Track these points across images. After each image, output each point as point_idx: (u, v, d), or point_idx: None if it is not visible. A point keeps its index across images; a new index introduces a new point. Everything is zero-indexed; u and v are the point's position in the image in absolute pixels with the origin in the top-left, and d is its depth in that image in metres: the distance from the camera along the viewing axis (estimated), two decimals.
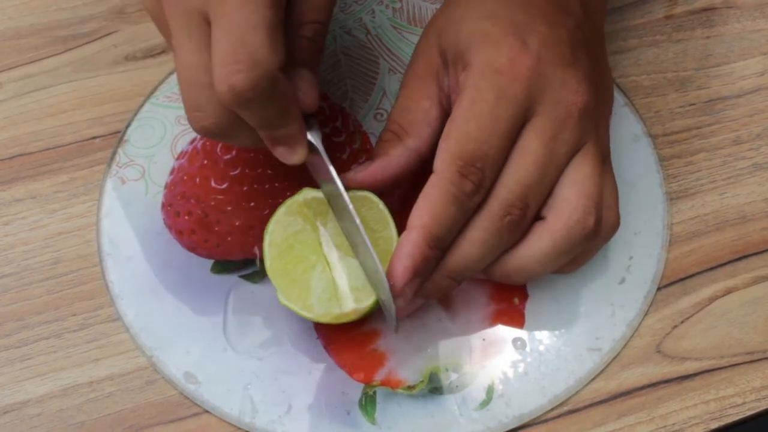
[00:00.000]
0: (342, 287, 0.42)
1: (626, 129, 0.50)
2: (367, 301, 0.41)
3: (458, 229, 0.40)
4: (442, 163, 0.39)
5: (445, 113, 0.42)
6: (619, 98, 0.51)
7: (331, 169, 0.40)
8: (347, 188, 0.41)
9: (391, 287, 0.39)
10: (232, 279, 0.46)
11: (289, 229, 0.43)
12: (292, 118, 0.39)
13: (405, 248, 0.39)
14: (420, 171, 0.42)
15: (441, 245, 0.39)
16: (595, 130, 0.41)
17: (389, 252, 0.41)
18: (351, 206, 0.40)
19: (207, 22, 0.37)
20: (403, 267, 0.39)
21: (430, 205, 0.39)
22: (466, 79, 0.40)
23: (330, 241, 0.43)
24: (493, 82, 0.39)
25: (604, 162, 0.42)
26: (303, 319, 0.45)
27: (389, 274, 0.39)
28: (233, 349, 0.45)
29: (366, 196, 0.42)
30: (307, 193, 0.43)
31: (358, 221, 0.40)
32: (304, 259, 0.42)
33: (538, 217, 0.41)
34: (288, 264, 0.42)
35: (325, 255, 0.42)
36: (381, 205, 0.42)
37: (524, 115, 0.40)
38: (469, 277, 0.41)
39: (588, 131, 0.41)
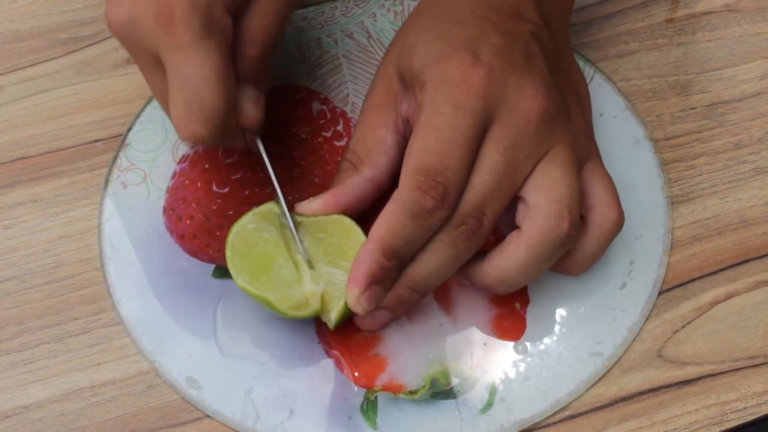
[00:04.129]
0: (305, 279, 0.42)
1: (627, 133, 0.50)
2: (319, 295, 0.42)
3: (420, 243, 0.40)
4: (403, 178, 0.39)
5: (404, 140, 0.42)
6: (620, 102, 0.51)
7: (272, 173, 0.44)
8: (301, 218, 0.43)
9: (347, 296, 0.40)
10: (234, 283, 0.46)
11: (255, 230, 0.43)
12: (235, 137, 0.43)
13: (360, 257, 0.39)
14: (379, 200, 0.43)
15: (399, 257, 0.39)
16: (564, 133, 0.41)
17: None
18: (287, 212, 0.42)
19: (161, 63, 0.41)
20: (358, 275, 0.39)
21: (388, 219, 0.39)
22: (422, 97, 0.40)
23: (298, 248, 0.43)
24: (447, 95, 0.39)
25: (582, 162, 0.42)
26: (304, 324, 0.45)
27: (347, 285, 0.40)
28: (222, 352, 0.45)
29: (337, 219, 0.43)
30: (274, 206, 0.43)
31: (291, 225, 0.42)
32: (267, 253, 0.43)
33: (514, 226, 0.41)
34: (251, 254, 0.43)
35: (292, 257, 0.42)
36: (354, 227, 0.42)
37: (483, 125, 0.39)
38: (430, 290, 0.41)
39: (552, 135, 0.40)
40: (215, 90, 0.40)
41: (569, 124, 0.42)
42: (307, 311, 0.42)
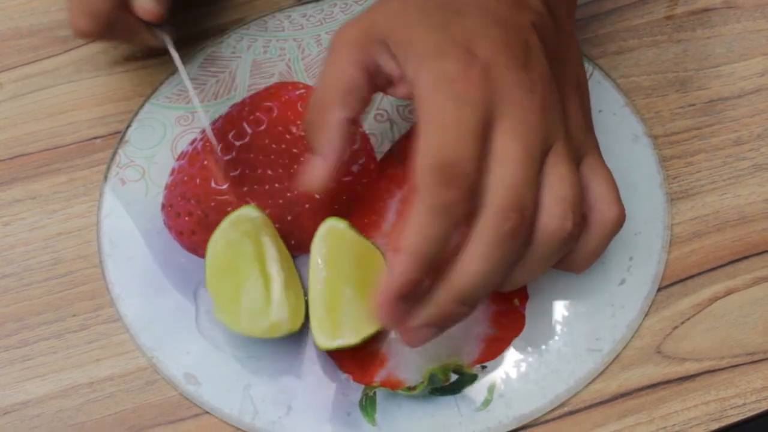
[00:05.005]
0: (275, 299, 0.42)
1: (626, 129, 0.50)
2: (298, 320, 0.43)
3: (448, 243, 0.38)
4: (421, 179, 0.37)
5: (371, 80, 0.41)
6: (619, 98, 0.51)
7: (182, 71, 0.47)
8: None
9: (378, 314, 0.38)
10: None
11: (228, 244, 0.43)
12: (133, 33, 0.47)
13: (392, 275, 0.37)
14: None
15: (431, 265, 0.37)
16: (561, 127, 0.40)
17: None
18: (191, 88, 0.45)
19: None
20: (388, 295, 0.37)
21: (416, 223, 0.37)
22: (422, 94, 0.39)
23: (274, 256, 0.43)
24: (449, 91, 0.38)
25: (580, 157, 0.41)
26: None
27: (378, 307, 0.38)
28: (220, 349, 0.45)
29: (245, 217, 0.43)
30: (252, 211, 0.43)
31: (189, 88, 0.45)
32: (239, 272, 0.43)
33: None
34: (223, 278, 0.43)
35: (267, 267, 0.43)
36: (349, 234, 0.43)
37: (488, 118, 0.38)
38: (481, 300, 0.39)
39: (554, 130, 0.40)
40: None
41: (566, 119, 0.41)
42: (279, 333, 0.43)
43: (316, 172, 0.41)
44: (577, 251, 0.42)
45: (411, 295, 0.38)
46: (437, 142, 0.38)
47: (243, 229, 0.43)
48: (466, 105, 0.38)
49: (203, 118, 0.45)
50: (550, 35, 0.42)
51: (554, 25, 0.43)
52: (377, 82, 0.42)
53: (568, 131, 0.41)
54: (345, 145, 0.41)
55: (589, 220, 0.41)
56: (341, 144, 0.41)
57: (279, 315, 0.42)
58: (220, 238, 0.43)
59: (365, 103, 0.42)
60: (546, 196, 0.39)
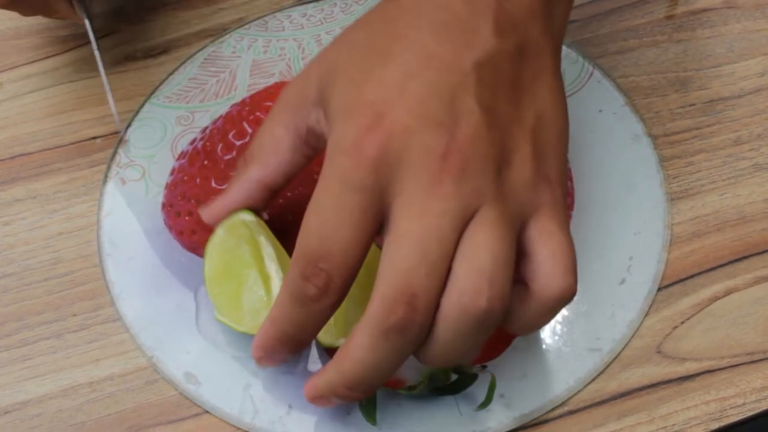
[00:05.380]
0: (275, 296, 0.42)
1: (626, 129, 0.50)
2: None
3: (315, 326, 0.37)
4: (292, 260, 0.36)
5: (304, 145, 0.39)
6: (619, 98, 0.51)
7: (91, 36, 0.47)
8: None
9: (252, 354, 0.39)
10: None
11: (225, 250, 0.43)
12: (51, 5, 0.46)
13: (259, 333, 0.38)
14: (272, 200, 0.42)
15: (296, 341, 0.37)
16: (492, 187, 0.35)
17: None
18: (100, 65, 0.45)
19: None
20: (255, 347, 0.39)
21: (280, 301, 0.37)
22: (325, 153, 0.36)
23: (272, 255, 0.42)
24: (336, 168, 0.35)
25: (526, 216, 0.36)
26: None
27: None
28: (220, 348, 0.45)
29: (240, 222, 0.43)
30: (246, 216, 0.43)
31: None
32: (238, 274, 0.43)
33: None
34: (223, 282, 0.43)
35: (266, 268, 0.42)
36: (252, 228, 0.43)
37: (380, 199, 0.34)
38: (375, 387, 0.37)
39: (477, 194, 0.34)
40: None
41: (506, 174, 0.36)
42: None
43: (208, 210, 0.42)
44: (513, 321, 0.37)
45: (281, 353, 0.39)
46: (309, 226, 0.35)
47: (239, 233, 0.43)
48: (350, 189, 0.34)
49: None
50: (505, 70, 0.36)
51: (512, 55, 0.37)
52: (312, 143, 0.40)
53: (505, 191, 0.35)
54: (245, 200, 0.41)
55: (529, 291, 0.36)
56: (240, 198, 0.41)
57: None
58: (216, 245, 0.43)
59: (289, 165, 0.40)
60: (458, 269, 0.34)
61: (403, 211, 0.34)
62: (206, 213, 0.43)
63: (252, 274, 0.43)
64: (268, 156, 0.40)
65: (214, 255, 0.43)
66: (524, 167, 0.36)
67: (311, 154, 0.40)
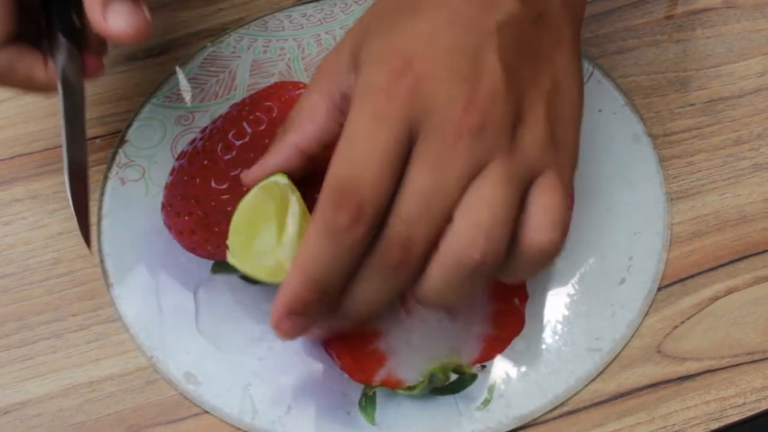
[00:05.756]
0: (284, 242, 0.41)
1: (626, 129, 0.50)
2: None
3: (346, 267, 0.37)
4: (321, 193, 0.36)
5: (335, 109, 0.40)
6: (619, 98, 0.51)
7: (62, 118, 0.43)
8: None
9: (274, 329, 0.38)
10: (232, 279, 0.46)
11: (253, 206, 0.43)
12: (29, 83, 0.43)
13: (283, 287, 0.37)
14: (310, 167, 0.42)
15: (322, 288, 0.37)
16: (505, 144, 0.36)
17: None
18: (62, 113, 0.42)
19: None
20: (277, 307, 0.37)
21: (307, 244, 0.36)
22: (352, 99, 0.37)
23: (296, 212, 0.41)
24: (368, 103, 0.36)
25: (532, 175, 0.37)
26: None
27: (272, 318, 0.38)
28: (220, 348, 0.45)
29: (273, 184, 0.42)
30: (280, 179, 0.42)
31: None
32: (258, 224, 0.42)
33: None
34: (243, 228, 0.42)
35: (286, 222, 0.41)
36: (286, 190, 0.42)
37: (406, 139, 0.36)
38: (363, 319, 0.39)
39: (490, 149, 0.36)
40: None
41: (519, 132, 0.37)
42: (283, 275, 0.40)
43: (247, 174, 0.43)
44: (504, 273, 0.38)
45: (306, 311, 0.37)
46: (342, 159, 0.36)
47: (270, 193, 0.43)
48: (383, 122, 0.35)
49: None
50: (525, 33, 0.38)
51: (533, 20, 0.38)
52: (346, 109, 0.39)
53: (516, 148, 0.37)
54: (282, 164, 0.42)
55: (516, 243, 0.37)
56: (277, 162, 0.42)
57: (284, 255, 0.41)
58: (247, 200, 0.43)
59: (324, 131, 0.41)
60: (461, 221, 0.35)
61: (419, 160, 0.35)
62: (245, 176, 0.43)
63: (270, 225, 0.42)
64: (305, 122, 0.41)
65: (243, 208, 0.43)
66: (537, 127, 0.37)
67: (344, 121, 0.40)
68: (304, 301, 0.37)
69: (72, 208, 0.42)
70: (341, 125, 0.39)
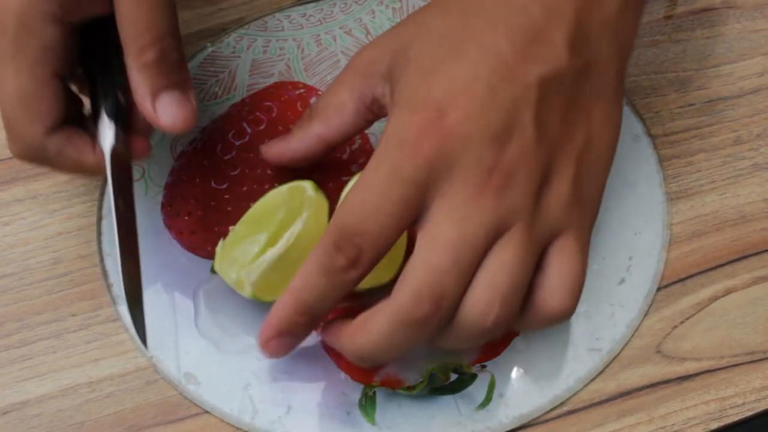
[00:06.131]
0: (259, 260, 0.41)
1: (626, 129, 0.50)
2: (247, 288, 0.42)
3: (334, 299, 0.38)
4: (326, 231, 0.37)
5: (367, 111, 0.41)
6: None
7: (110, 184, 0.42)
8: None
9: (258, 341, 0.40)
10: None
11: (272, 204, 0.43)
12: (79, 167, 0.42)
13: (275, 307, 0.38)
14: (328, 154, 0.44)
15: (312, 312, 0.38)
16: (529, 207, 0.36)
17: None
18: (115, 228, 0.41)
19: None
20: (267, 325, 0.39)
21: (304, 272, 0.37)
22: (384, 130, 0.37)
23: (295, 233, 0.41)
24: (391, 156, 0.36)
25: (552, 236, 0.37)
26: None
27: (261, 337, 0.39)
28: (220, 348, 0.45)
29: (300, 190, 0.43)
30: (310, 190, 0.42)
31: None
32: (256, 228, 0.43)
33: None
34: (244, 224, 0.43)
35: (280, 237, 0.42)
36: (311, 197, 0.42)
37: (423, 195, 0.36)
38: (382, 363, 0.41)
39: (513, 211, 0.36)
40: (20, 115, 0.40)
41: (545, 192, 0.37)
42: (242, 292, 0.42)
43: (268, 148, 0.44)
44: (514, 327, 0.39)
45: (294, 333, 0.39)
46: (351, 200, 0.36)
47: (290, 199, 0.43)
48: (400, 181, 0.36)
49: None
50: (568, 86, 0.37)
51: (578, 70, 0.38)
52: (375, 111, 0.42)
53: (539, 211, 0.37)
54: (304, 151, 0.43)
55: (530, 301, 0.38)
56: (300, 149, 0.43)
57: (249, 275, 0.42)
58: (270, 196, 0.43)
59: (350, 126, 0.42)
60: (478, 281, 0.36)
61: (443, 214, 0.36)
62: (266, 150, 0.44)
63: (262, 236, 0.42)
64: (332, 116, 0.42)
65: (262, 202, 0.43)
66: (562, 189, 0.37)
67: (372, 120, 0.42)
68: (295, 323, 0.38)
69: (126, 299, 0.42)
70: (369, 122, 0.41)
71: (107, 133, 0.41)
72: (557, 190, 0.37)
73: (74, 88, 0.43)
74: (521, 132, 0.36)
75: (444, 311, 0.36)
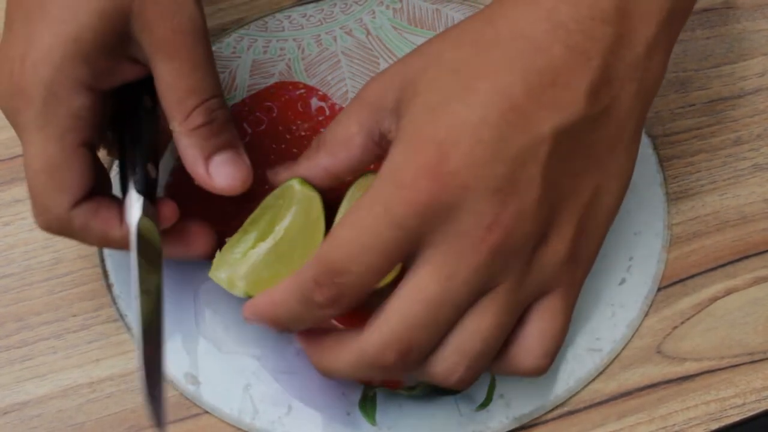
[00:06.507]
0: (248, 257, 0.41)
1: None
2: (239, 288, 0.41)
3: (308, 324, 0.38)
4: (310, 262, 0.35)
5: (373, 145, 0.39)
6: None
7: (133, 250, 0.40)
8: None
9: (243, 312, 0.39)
10: None
11: (273, 198, 0.42)
12: (105, 241, 0.41)
13: (255, 303, 0.38)
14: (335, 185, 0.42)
15: (283, 326, 0.38)
16: (518, 269, 0.35)
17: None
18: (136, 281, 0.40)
19: None
20: (248, 310, 0.38)
21: (284, 290, 0.36)
22: (381, 169, 0.36)
23: (281, 232, 0.41)
24: (386, 196, 0.34)
25: (537, 296, 0.37)
26: None
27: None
28: (220, 349, 0.45)
29: (287, 186, 0.42)
30: (295, 185, 0.42)
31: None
32: (250, 227, 0.42)
33: None
34: (246, 224, 0.43)
35: (270, 232, 0.41)
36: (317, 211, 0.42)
37: (415, 241, 0.34)
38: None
39: (502, 272, 0.35)
40: (47, 184, 0.38)
41: (541, 251, 0.36)
42: (233, 291, 0.41)
43: (275, 174, 0.43)
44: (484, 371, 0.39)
45: (270, 328, 0.38)
46: (338, 235, 0.35)
47: (279, 198, 0.42)
48: (392, 225, 0.34)
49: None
50: (582, 137, 0.35)
51: (596, 119, 0.35)
52: (384, 147, 0.39)
53: (531, 270, 0.36)
54: (312, 180, 0.41)
55: (505, 352, 0.38)
56: (308, 177, 0.41)
57: (238, 270, 0.41)
58: (264, 202, 0.43)
59: (358, 162, 0.40)
60: (451, 338, 0.36)
61: (431, 265, 0.34)
62: (273, 176, 0.43)
63: (254, 233, 0.42)
64: (339, 149, 0.40)
65: (264, 201, 0.43)
66: (559, 249, 0.36)
67: (381, 155, 0.38)
68: (266, 324, 0.38)
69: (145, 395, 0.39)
70: (378, 157, 0.39)
71: (135, 206, 0.40)
72: (554, 249, 0.36)
73: (103, 151, 0.42)
74: (526, 188, 0.34)
75: (410, 363, 0.36)
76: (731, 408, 0.43)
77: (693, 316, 0.45)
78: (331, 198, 0.42)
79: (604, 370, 0.44)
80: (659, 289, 0.46)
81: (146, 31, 0.38)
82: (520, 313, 0.37)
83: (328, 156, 0.40)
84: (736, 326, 0.45)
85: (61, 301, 0.46)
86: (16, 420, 0.44)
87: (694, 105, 0.51)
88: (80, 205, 0.39)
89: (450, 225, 0.34)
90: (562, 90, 0.34)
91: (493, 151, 0.34)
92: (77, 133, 0.38)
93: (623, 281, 0.46)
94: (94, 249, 0.47)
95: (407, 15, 0.53)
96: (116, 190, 0.42)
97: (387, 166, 0.35)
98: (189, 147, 0.40)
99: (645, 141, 0.50)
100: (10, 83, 0.38)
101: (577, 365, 0.44)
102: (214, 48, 0.53)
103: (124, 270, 0.47)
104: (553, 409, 0.43)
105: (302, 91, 0.50)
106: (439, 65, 0.37)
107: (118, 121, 0.42)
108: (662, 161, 0.49)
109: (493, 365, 0.38)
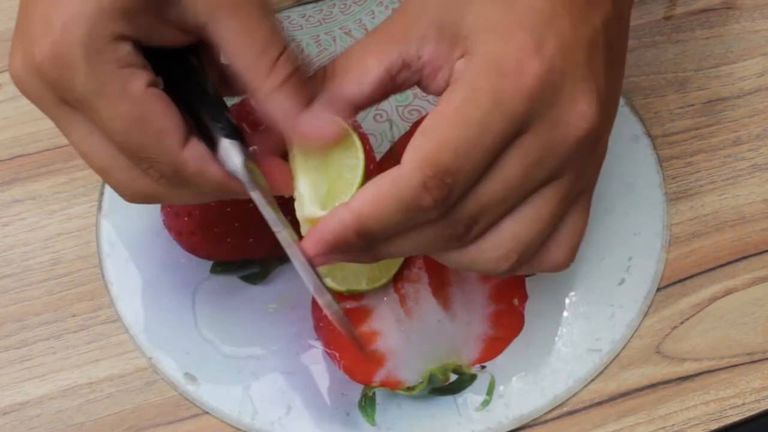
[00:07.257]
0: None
1: (626, 129, 0.50)
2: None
3: (403, 230, 0.35)
4: (410, 162, 0.33)
5: (389, 80, 0.36)
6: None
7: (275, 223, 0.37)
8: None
9: (302, 250, 0.35)
10: (232, 279, 0.46)
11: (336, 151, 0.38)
12: (220, 188, 0.36)
13: (331, 224, 0.34)
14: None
15: (373, 239, 0.34)
16: (582, 163, 0.36)
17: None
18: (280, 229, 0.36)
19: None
20: (320, 240, 0.34)
21: (379, 200, 0.33)
22: (464, 70, 0.34)
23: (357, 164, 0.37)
24: (492, 86, 0.33)
25: (579, 195, 0.37)
26: (302, 320, 0.45)
27: (305, 239, 0.35)
28: (219, 349, 0.45)
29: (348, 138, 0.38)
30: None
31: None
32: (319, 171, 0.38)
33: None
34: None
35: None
36: (359, 151, 0.37)
37: (518, 130, 0.34)
38: (382, 253, 0.36)
39: (574, 163, 0.35)
40: (143, 139, 0.34)
41: (594, 151, 0.36)
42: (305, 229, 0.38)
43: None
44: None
45: (345, 251, 0.35)
46: (448, 135, 0.33)
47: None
48: (501, 112, 0.33)
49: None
50: (614, 39, 0.36)
51: (620, 27, 0.37)
52: (400, 79, 0.36)
53: (585, 169, 0.36)
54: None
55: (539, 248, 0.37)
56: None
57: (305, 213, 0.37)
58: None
59: (367, 99, 0.37)
60: (508, 227, 0.35)
61: (521, 150, 0.34)
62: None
63: (328, 176, 0.38)
64: (350, 84, 0.36)
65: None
66: (602, 145, 0.37)
67: (392, 93, 0.37)
68: (350, 244, 0.34)
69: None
70: (386, 96, 0.37)
71: (233, 152, 0.35)
72: (601, 145, 0.37)
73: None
74: (599, 82, 0.35)
75: (473, 236, 0.35)
76: (731, 408, 0.43)
77: (692, 316, 0.45)
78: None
79: (603, 371, 0.44)
80: (659, 290, 0.46)
81: None
82: (568, 205, 0.36)
83: (337, 89, 0.36)
84: (735, 326, 0.45)
85: (61, 301, 0.46)
86: (15, 420, 0.44)
87: (693, 105, 0.51)
88: (188, 145, 0.35)
89: (549, 111, 0.34)
90: None
91: (571, 38, 0.34)
92: (138, 78, 0.34)
93: (623, 281, 0.46)
94: (93, 249, 0.47)
95: None
96: None
97: (480, 60, 0.34)
98: (285, 100, 0.35)
99: (645, 141, 0.50)
100: (49, 50, 0.34)
101: (577, 365, 0.44)
102: None
103: (124, 270, 0.47)
104: (552, 409, 0.43)
105: None
106: None
107: (168, 84, 0.37)
108: (661, 161, 0.49)
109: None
